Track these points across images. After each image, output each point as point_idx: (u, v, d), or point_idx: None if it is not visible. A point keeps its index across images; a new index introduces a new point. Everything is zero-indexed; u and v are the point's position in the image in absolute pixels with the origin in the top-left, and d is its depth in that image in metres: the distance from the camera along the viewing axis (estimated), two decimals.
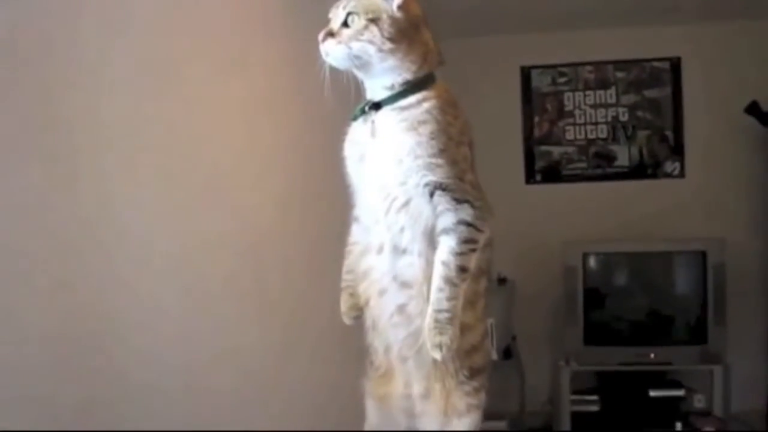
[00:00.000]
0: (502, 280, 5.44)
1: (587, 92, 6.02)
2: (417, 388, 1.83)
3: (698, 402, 5.17)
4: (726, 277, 5.18)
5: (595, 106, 6.02)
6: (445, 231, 1.70)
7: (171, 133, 2.34)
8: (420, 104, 1.71)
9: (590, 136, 6.02)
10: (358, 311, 1.87)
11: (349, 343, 1.93)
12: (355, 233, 1.87)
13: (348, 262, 1.89)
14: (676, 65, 5.93)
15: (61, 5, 1.87)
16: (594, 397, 5.29)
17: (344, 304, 1.88)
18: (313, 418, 3.14)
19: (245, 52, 2.89)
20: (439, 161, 1.68)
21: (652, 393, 5.18)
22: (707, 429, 4.99)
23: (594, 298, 5.36)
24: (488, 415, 1.87)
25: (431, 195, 1.69)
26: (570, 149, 6.04)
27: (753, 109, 5.37)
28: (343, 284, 1.89)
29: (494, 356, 4.70)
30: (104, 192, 2.00)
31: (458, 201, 1.70)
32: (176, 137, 2.37)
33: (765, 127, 5.44)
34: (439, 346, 1.68)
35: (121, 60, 2.09)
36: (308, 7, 1.75)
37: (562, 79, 6.04)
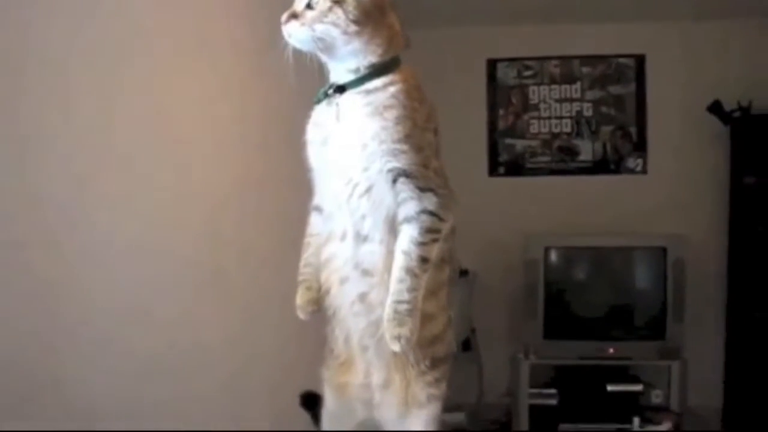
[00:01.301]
0: (463, 272, 5.42)
1: (552, 86, 6.03)
2: (377, 378, 1.81)
3: (656, 397, 5.18)
4: (685, 273, 5.21)
5: (559, 101, 6.02)
6: (407, 220, 1.68)
7: (130, 115, 2.30)
8: (386, 88, 1.69)
9: (554, 130, 6.02)
10: (315, 306, 1.83)
11: (309, 331, 1.91)
12: (314, 224, 1.85)
13: (306, 255, 1.86)
14: (640, 62, 5.94)
15: None
16: (552, 391, 5.29)
17: (300, 298, 1.85)
18: (271, 405, 3.12)
19: (208, 33, 2.86)
20: (404, 147, 1.65)
21: (610, 387, 5.19)
22: (663, 425, 5.01)
23: (554, 291, 5.36)
24: (446, 407, 1.86)
25: (394, 182, 1.67)
26: (534, 143, 6.04)
27: (715, 108, 5.40)
28: (301, 277, 1.86)
29: (453, 348, 4.69)
30: (56, 175, 1.96)
31: (422, 189, 1.68)
32: (135, 119, 2.34)
33: (726, 125, 5.47)
34: (398, 338, 1.66)
35: (80, 41, 2.06)
36: None
37: (528, 73, 6.04)
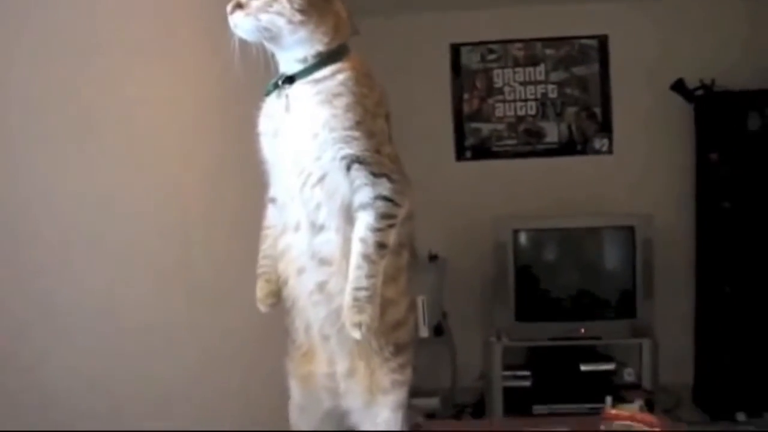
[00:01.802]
0: (433, 257, 5.44)
1: (516, 69, 6.03)
2: (341, 367, 1.81)
3: (628, 375, 5.21)
4: (653, 252, 5.24)
5: (524, 83, 6.03)
6: (363, 206, 1.68)
7: (92, 113, 2.29)
8: (334, 76, 1.68)
9: (520, 113, 6.03)
10: (275, 298, 1.84)
11: (275, 322, 1.90)
12: (271, 216, 1.85)
13: (264, 247, 1.86)
14: (603, 43, 5.96)
15: None
16: (525, 373, 5.31)
17: (260, 290, 1.85)
18: (238, 398, 3.12)
19: (164, 28, 2.84)
20: (356, 134, 1.65)
21: (583, 367, 5.22)
22: (635, 403, 5.04)
23: (524, 274, 5.38)
24: (420, 392, 1.86)
25: (348, 169, 1.66)
26: (500, 126, 6.04)
27: (679, 86, 5.44)
28: (260, 270, 1.86)
29: (425, 333, 4.71)
30: (22, 173, 1.95)
31: (375, 175, 1.67)
32: (98, 117, 2.32)
33: (690, 104, 5.51)
34: (358, 325, 1.66)
35: (40, 38, 2.04)
36: None
37: (492, 57, 6.04)
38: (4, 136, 1.89)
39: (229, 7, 1.66)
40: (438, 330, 5.23)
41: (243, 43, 1.67)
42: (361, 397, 1.81)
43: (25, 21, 1.99)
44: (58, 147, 2.10)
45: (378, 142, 1.69)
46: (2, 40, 1.89)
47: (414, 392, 1.86)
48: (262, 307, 1.85)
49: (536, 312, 5.38)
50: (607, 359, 5.31)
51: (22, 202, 1.94)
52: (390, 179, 1.69)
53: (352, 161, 1.66)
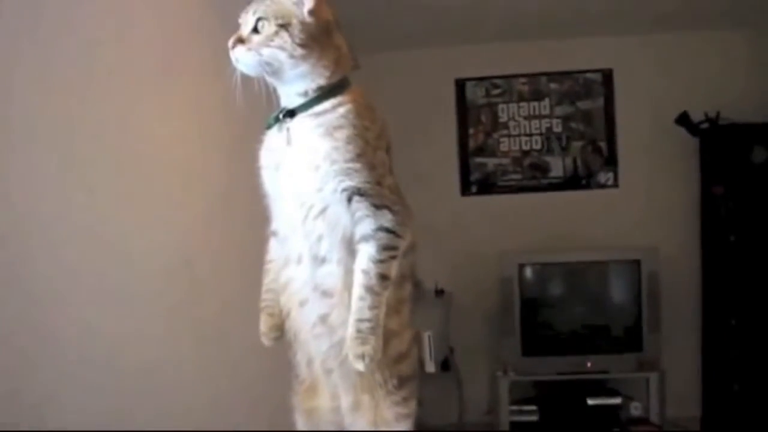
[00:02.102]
0: (439, 292, 5.43)
1: (521, 104, 6.04)
2: (345, 401, 1.81)
3: (635, 409, 5.19)
4: (660, 285, 5.22)
5: (529, 118, 6.03)
6: (365, 238, 1.68)
7: (96, 150, 2.30)
8: (335, 109, 1.69)
9: (525, 148, 6.04)
10: (278, 332, 1.84)
11: (281, 357, 1.90)
12: (272, 250, 1.85)
13: (266, 281, 1.87)
14: (608, 77, 5.97)
15: None
16: (532, 407, 5.29)
17: (263, 324, 1.86)
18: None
19: (167, 63, 2.86)
20: (356, 166, 1.66)
21: (590, 401, 5.20)
22: None
23: (530, 308, 5.37)
24: (427, 427, 1.85)
25: (349, 201, 1.67)
26: (505, 160, 6.05)
27: (683, 119, 5.43)
28: (263, 304, 1.87)
29: (432, 368, 4.69)
30: (32, 206, 1.96)
31: (377, 207, 1.68)
32: (101, 153, 2.34)
33: (695, 137, 5.50)
34: (362, 357, 1.65)
35: (43, 73, 2.06)
36: (231, 16, 1.73)
37: (497, 91, 6.05)
38: (10, 174, 1.90)
39: (230, 42, 1.68)
40: (445, 365, 5.21)
41: (245, 77, 1.69)
42: (366, 430, 1.80)
43: (28, 54, 2.00)
44: (63, 184, 2.12)
45: (379, 174, 1.70)
46: (6, 74, 1.91)
47: (421, 427, 1.86)
48: (266, 341, 1.85)
49: (543, 346, 5.36)
50: (614, 393, 5.28)
51: (27, 241, 1.95)
52: (391, 211, 1.69)
53: (353, 193, 1.67)
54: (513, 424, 5.24)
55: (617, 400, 5.22)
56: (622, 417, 5.18)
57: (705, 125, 5.43)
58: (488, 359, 5.77)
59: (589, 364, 5.22)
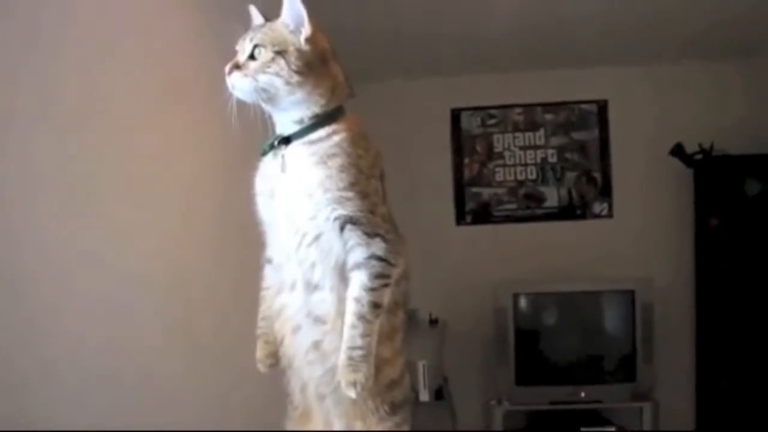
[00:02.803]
0: (433, 321, 5.43)
1: (516, 134, 6.07)
2: (338, 426, 1.81)
3: None
4: (654, 315, 5.23)
5: (524, 148, 6.06)
6: (357, 266, 1.69)
7: (92, 174, 2.31)
8: (330, 137, 1.70)
9: (520, 178, 6.06)
10: (274, 359, 1.84)
11: (275, 382, 1.91)
12: (268, 277, 1.86)
13: (262, 308, 1.87)
14: (603, 107, 6.01)
15: None
16: None
17: (260, 351, 1.86)
18: None
19: (162, 89, 2.87)
20: (349, 194, 1.67)
21: (584, 431, 5.19)
22: None
23: (525, 338, 5.37)
24: None
25: (342, 229, 1.68)
26: (500, 190, 6.07)
27: (678, 151, 5.45)
28: (259, 331, 1.87)
29: (426, 397, 4.68)
30: (30, 222, 1.97)
31: (369, 235, 1.68)
32: (97, 177, 2.34)
33: (689, 167, 5.52)
34: (354, 384, 1.66)
35: (46, 91, 2.07)
36: (229, 43, 1.75)
37: (492, 121, 6.08)
38: (8, 192, 1.91)
39: (227, 68, 1.69)
40: (439, 394, 5.20)
41: (241, 103, 1.70)
42: None
43: (26, 77, 2.02)
44: (60, 202, 2.12)
45: (372, 202, 1.70)
46: (5, 95, 1.92)
47: None
48: (262, 368, 1.86)
49: (537, 376, 5.36)
50: (608, 423, 5.28)
51: (23, 261, 1.95)
52: (384, 239, 1.70)
53: (345, 222, 1.67)
54: None
55: (611, 430, 5.21)
56: None
57: (699, 156, 5.45)
58: (482, 388, 5.77)
59: (582, 394, 5.22)
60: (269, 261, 1.84)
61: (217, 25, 2.72)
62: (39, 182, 2.03)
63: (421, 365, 4.56)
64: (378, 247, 1.69)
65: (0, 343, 1.86)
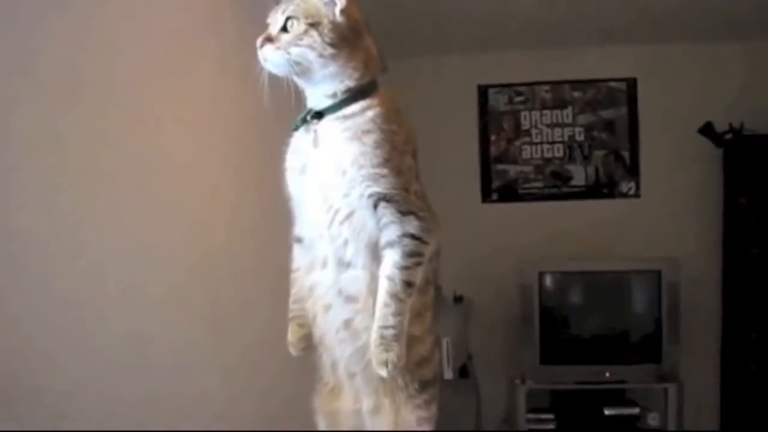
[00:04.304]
0: (458, 299, 5.42)
1: (544, 111, 6.03)
2: (366, 404, 1.81)
3: (653, 420, 5.17)
4: (680, 296, 5.20)
5: (551, 126, 6.02)
6: (390, 244, 1.67)
7: (122, 150, 2.30)
8: (364, 113, 1.68)
9: (547, 156, 6.02)
10: (307, 342, 1.83)
11: (304, 360, 1.89)
12: (297, 257, 1.84)
13: (294, 291, 1.85)
14: (632, 86, 5.95)
15: None
16: (549, 416, 5.29)
17: (292, 335, 1.85)
18: None
19: (193, 63, 2.86)
20: (384, 171, 1.65)
21: (607, 411, 5.18)
22: None
23: (550, 316, 5.35)
24: None
25: (375, 207, 1.66)
26: (526, 168, 6.04)
27: (707, 130, 5.40)
28: (291, 314, 1.85)
29: (450, 375, 4.68)
30: (54, 206, 1.96)
31: (403, 213, 1.67)
32: (128, 154, 2.34)
33: (719, 147, 5.47)
34: (385, 363, 1.65)
35: (76, 78, 2.06)
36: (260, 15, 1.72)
37: (519, 99, 6.04)
38: (32, 177, 1.91)
39: (259, 41, 1.66)
40: (463, 372, 5.20)
41: (272, 77, 1.67)
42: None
43: (52, 57, 2.01)
44: (85, 184, 2.12)
45: (406, 180, 1.68)
46: (27, 77, 1.91)
47: (435, 427, 1.85)
48: (294, 351, 1.84)
49: (561, 355, 5.34)
50: (631, 404, 5.26)
51: (50, 240, 1.95)
52: (417, 217, 1.68)
53: (379, 199, 1.65)
54: None
55: (635, 411, 5.20)
56: (639, 428, 5.16)
57: (729, 136, 5.40)
58: (506, 367, 5.76)
59: (607, 374, 5.19)
60: (298, 240, 1.82)
61: None
62: (63, 162, 2.03)
63: (445, 343, 4.55)
64: (411, 225, 1.67)
65: (27, 323, 1.86)
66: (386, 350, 1.64)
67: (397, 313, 1.65)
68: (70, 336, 2.01)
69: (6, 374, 1.79)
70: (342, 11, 1.66)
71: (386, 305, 1.65)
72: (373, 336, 1.66)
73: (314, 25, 1.64)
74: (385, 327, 1.65)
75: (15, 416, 1.79)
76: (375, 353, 1.65)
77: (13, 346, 1.81)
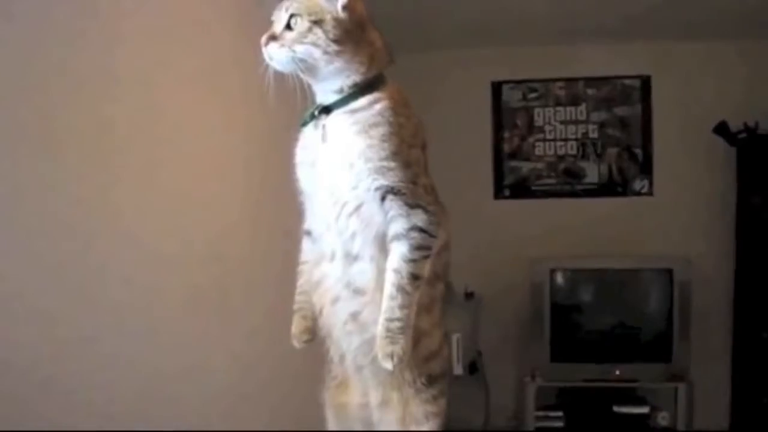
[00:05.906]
0: (469, 295, 5.42)
1: (557, 108, 6.01)
2: (374, 397, 1.81)
3: (662, 419, 5.15)
4: (691, 295, 5.18)
5: (565, 123, 6.00)
6: (397, 237, 1.67)
7: (131, 143, 2.31)
8: (371, 106, 1.68)
9: (560, 153, 6.01)
10: (310, 335, 1.83)
11: (315, 354, 1.90)
12: (306, 250, 1.85)
13: (300, 283, 1.86)
14: (646, 83, 5.92)
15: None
16: (558, 413, 5.27)
17: (296, 327, 1.85)
18: (272, 426, 3.11)
19: (201, 61, 2.87)
20: (391, 164, 1.65)
21: (617, 409, 5.17)
22: None
23: (560, 314, 5.34)
24: (453, 430, 1.85)
25: (383, 199, 1.66)
26: (539, 165, 6.02)
27: (721, 129, 5.38)
28: (296, 306, 1.86)
29: (459, 371, 4.68)
30: (64, 201, 1.97)
31: (410, 206, 1.67)
32: (137, 146, 2.35)
33: (733, 146, 5.46)
34: (391, 356, 1.65)
35: (78, 73, 2.07)
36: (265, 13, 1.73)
37: (533, 95, 6.03)
38: (43, 172, 1.92)
39: (263, 39, 1.67)
40: (472, 368, 5.20)
41: (279, 74, 1.68)
42: (394, 427, 1.80)
43: (67, 54, 2.02)
44: (95, 180, 2.13)
45: (414, 173, 1.69)
46: (43, 68, 1.92)
47: (444, 422, 1.85)
48: (297, 344, 1.84)
49: (571, 353, 5.34)
50: (641, 402, 5.25)
51: (58, 237, 1.96)
52: (425, 210, 1.68)
53: (386, 192, 1.66)
54: (538, 429, 5.23)
55: (644, 410, 5.19)
56: (648, 426, 5.15)
57: (743, 135, 5.38)
58: (516, 364, 5.76)
59: (617, 372, 5.19)
60: (308, 233, 1.83)
61: None
62: (74, 157, 2.04)
63: (455, 338, 4.56)
64: (419, 218, 1.67)
65: (38, 318, 1.87)
66: (392, 343, 1.65)
67: (404, 306, 1.65)
68: (80, 329, 2.03)
69: (14, 370, 1.80)
70: (345, 7, 1.66)
71: (392, 298, 1.65)
72: (379, 328, 1.66)
73: (318, 22, 1.64)
74: (391, 319, 1.65)
75: (24, 413, 1.80)
76: (380, 346, 1.66)
77: (22, 342, 1.83)
